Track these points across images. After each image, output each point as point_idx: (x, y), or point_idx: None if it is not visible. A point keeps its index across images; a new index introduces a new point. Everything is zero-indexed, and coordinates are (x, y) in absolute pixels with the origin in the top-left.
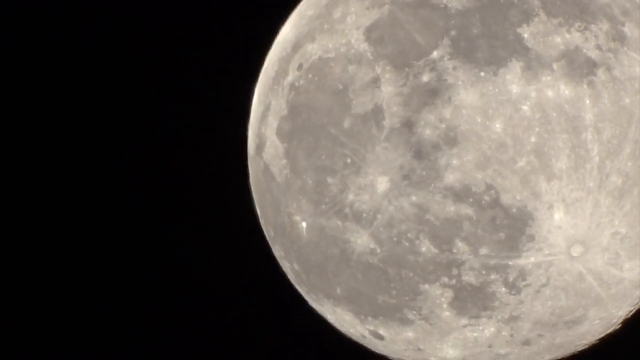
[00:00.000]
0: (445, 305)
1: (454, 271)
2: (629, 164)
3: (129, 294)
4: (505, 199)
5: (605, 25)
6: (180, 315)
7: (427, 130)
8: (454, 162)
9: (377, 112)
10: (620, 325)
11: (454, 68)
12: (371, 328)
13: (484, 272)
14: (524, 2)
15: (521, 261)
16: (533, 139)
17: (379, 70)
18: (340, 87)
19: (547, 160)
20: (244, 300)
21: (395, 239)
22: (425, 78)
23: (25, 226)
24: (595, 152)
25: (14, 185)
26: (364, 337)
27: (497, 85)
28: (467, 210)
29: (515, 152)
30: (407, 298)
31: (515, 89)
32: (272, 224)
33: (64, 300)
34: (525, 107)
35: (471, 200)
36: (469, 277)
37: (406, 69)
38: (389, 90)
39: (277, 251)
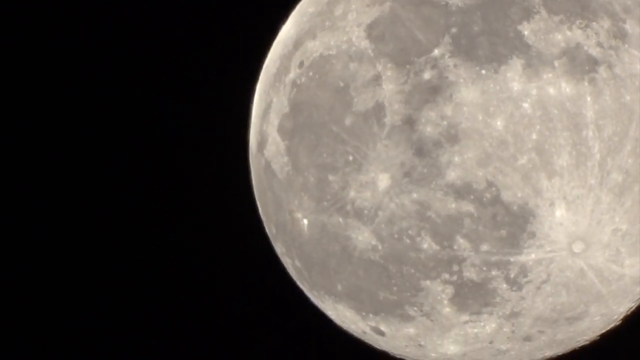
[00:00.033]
0: (446, 302)
1: (455, 267)
2: (630, 161)
3: (129, 292)
4: (507, 196)
5: (606, 23)
6: (182, 313)
7: (429, 127)
8: (455, 159)
9: (378, 110)
10: (621, 321)
11: (455, 65)
12: (372, 324)
13: (485, 268)
14: None
15: (522, 258)
16: (534, 136)
17: (380, 67)
18: (342, 84)
19: (548, 158)
20: (245, 297)
21: (396, 235)
22: (426, 75)
23: (26, 226)
24: (596, 149)
25: (14, 185)
26: (365, 333)
27: (498, 83)
28: (468, 207)
29: (516, 150)
30: (408, 294)
31: (516, 86)
32: (274, 221)
33: (65, 300)
34: (526, 105)
35: (472, 197)
36: (470, 274)
37: (407, 66)
38: (390, 88)
39: (279, 248)
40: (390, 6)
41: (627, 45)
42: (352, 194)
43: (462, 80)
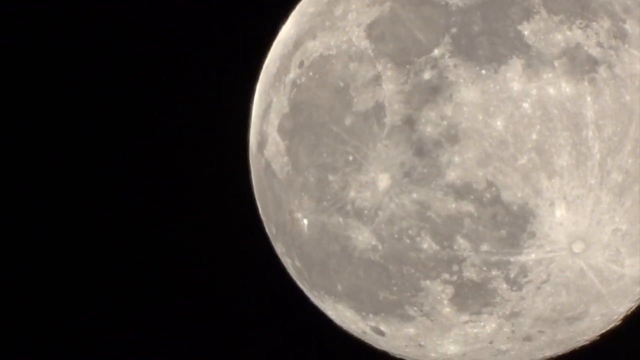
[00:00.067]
0: (446, 302)
1: (455, 268)
2: (630, 161)
3: (130, 290)
4: (507, 196)
5: (606, 23)
6: (182, 312)
7: (428, 127)
8: (455, 159)
9: (378, 110)
10: (621, 321)
11: (455, 65)
12: (372, 324)
13: (485, 268)
14: None
15: (522, 258)
16: (534, 137)
17: (380, 67)
18: (342, 84)
19: (548, 158)
20: (245, 297)
21: (396, 235)
22: (426, 75)
23: (27, 226)
24: (596, 149)
25: (14, 185)
26: (365, 333)
27: (498, 83)
28: (468, 207)
29: (516, 150)
30: (408, 294)
31: (516, 86)
32: (274, 221)
33: (65, 299)
34: (526, 105)
35: (472, 197)
36: (470, 274)
37: (407, 66)
38: (390, 88)
39: (279, 248)
40: (390, 6)
41: (627, 45)
42: (352, 194)
43: (462, 80)
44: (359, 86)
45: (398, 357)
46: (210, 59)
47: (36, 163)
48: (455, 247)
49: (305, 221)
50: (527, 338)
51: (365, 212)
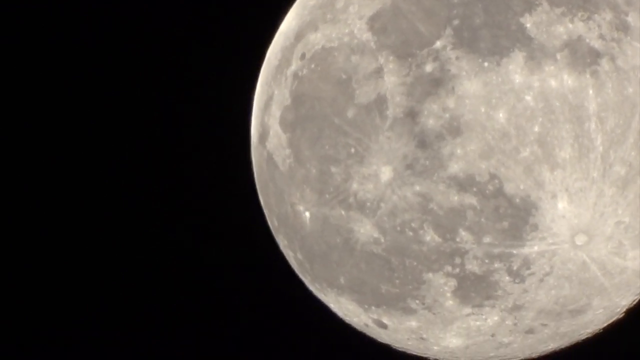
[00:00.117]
0: (448, 294)
1: (458, 260)
2: (633, 153)
3: (133, 284)
4: (509, 188)
5: (608, 15)
6: (183, 305)
7: (431, 120)
8: (458, 151)
9: (380, 102)
10: (624, 314)
11: (457, 58)
12: (374, 317)
13: (487, 261)
14: None
15: (525, 250)
16: (536, 129)
17: (382, 60)
18: (344, 76)
19: (550, 150)
20: (247, 289)
21: (398, 228)
22: (428, 68)
23: (27, 226)
24: (598, 141)
25: (14, 185)
26: (367, 326)
27: (500, 75)
28: (470, 199)
29: (518, 142)
30: (410, 287)
31: (518, 78)
32: (276, 213)
33: (65, 299)
34: (528, 97)
35: (475, 189)
36: (472, 266)
37: (409, 58)
38: (392, 80)
39: (281, 241)
40: None
41: (629, 38)
42: (354, 186)
43: (464, 73)
44: (361, 78)
45: (400, 350)
46: (211, 52)
47: (37, 163)
48: (457, 240)
49: (308, 214)
50: (530, 331)
51: (368, 204)
